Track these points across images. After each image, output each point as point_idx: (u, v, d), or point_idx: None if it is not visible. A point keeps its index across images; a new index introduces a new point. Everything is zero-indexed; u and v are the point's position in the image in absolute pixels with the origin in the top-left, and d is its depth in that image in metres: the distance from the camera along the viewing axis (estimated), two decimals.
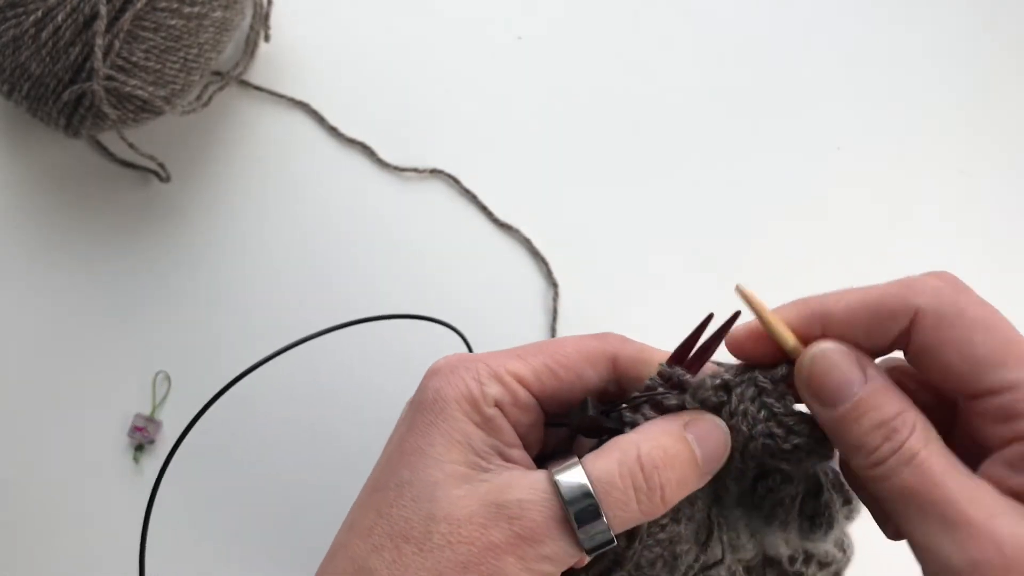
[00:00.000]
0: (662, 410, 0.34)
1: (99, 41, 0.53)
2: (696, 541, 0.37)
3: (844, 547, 0.41)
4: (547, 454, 0.37)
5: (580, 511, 0.31)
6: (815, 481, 0.36)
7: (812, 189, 0.66)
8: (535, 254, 0.64)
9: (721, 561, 0.38)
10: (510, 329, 0.63)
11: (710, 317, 0.36)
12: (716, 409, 0.34)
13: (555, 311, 0.63)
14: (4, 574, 0.60)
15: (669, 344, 0.37)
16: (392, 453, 0.34)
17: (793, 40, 0.68)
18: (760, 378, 0.34)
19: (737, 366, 0.35)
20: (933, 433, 0.31)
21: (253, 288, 0.63)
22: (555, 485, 0.31)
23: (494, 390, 0.34)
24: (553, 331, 0.63)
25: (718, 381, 0.34)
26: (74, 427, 0.61)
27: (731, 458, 0.35)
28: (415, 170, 0.64)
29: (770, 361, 0.34)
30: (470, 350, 0.56)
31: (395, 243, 0.64)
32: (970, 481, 0.30)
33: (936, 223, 0.66)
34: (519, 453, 0.34)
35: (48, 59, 0.54)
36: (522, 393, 0.34)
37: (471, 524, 0.31)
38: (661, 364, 0.35)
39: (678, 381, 0.35)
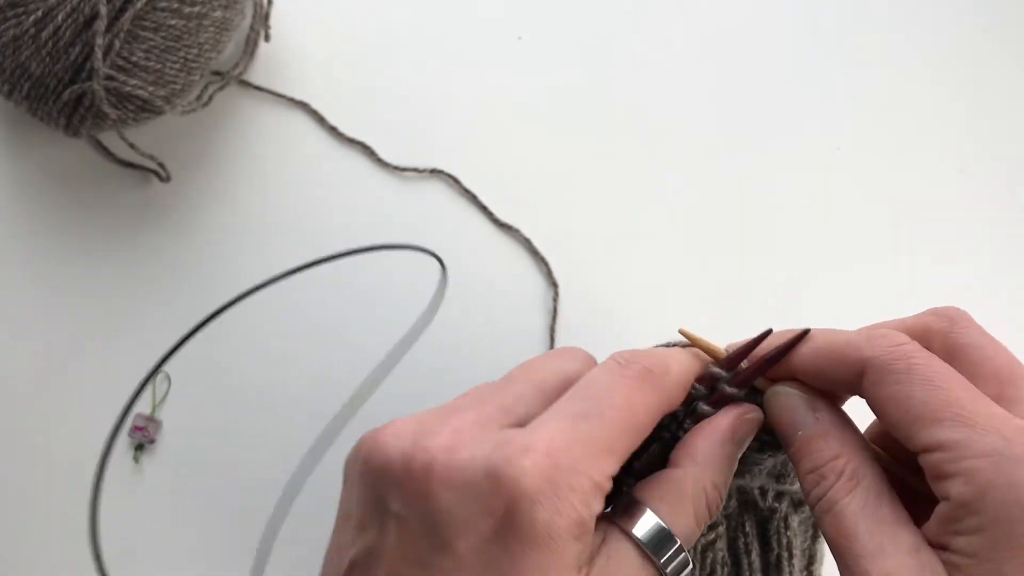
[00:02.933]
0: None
1: (99, 41, 0.53)
2: None
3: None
4: None
5: (673, 566, 0.31)
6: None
7: (812, 189, 0.66)
8: (535, 254, 0.64)
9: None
10: (509, 327, 0.63)
11: (769, 331, 0.36)
12: None
13: (555, 311, 0.63)
14: (3, 574, 0.60)
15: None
16: None
17: (793, 40, 0.68)
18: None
19: None
20: (868, 479, 0.32)
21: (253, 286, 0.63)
22: (646, 554, 0.31)
23: (598, 506, 0.30)
24: (552, 331, 0.63)
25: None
26: (74, 427, 0.61)
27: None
28: (415, 170, 0.65)
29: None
30: (444, 273, 0.52)
31: (395, 241, 0.64)
32: (884, 536, 0.30)
33: (936, 223, 0.66)
34: (597, 508, 0.32)
35: (48, 59, 0.54)
36: (607, 481, 0.31)
37: None
38: (711, 367, 0.36)
39: (725, 394, 0.35)
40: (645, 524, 0.31)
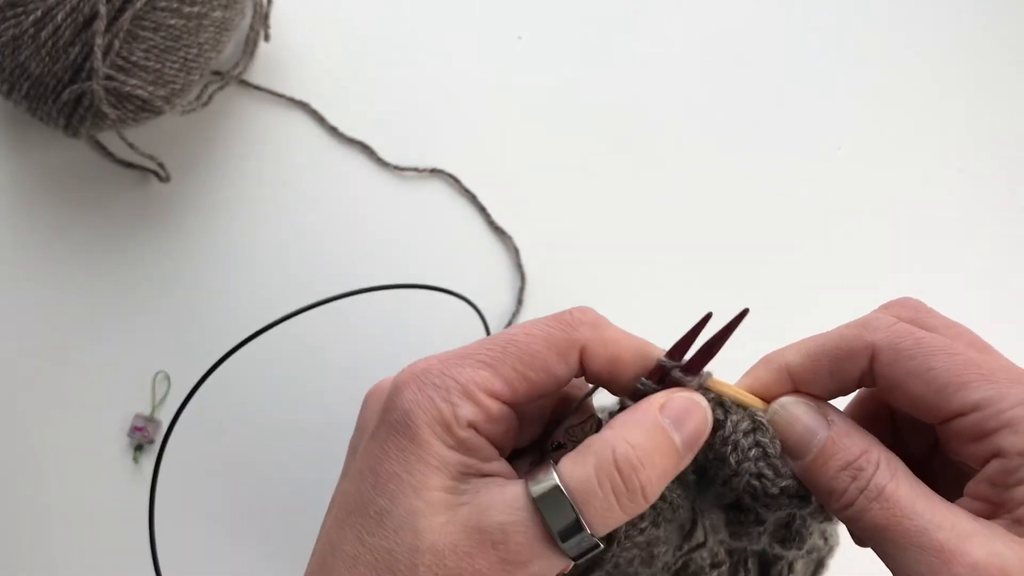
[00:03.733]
0: None
1: (99, 41, 0.53)
2: (680, 533, 0.37)
3: (827, 537, 0.42)
4: (523, 447, 0.36)
5: (562, 525, 0.30)
6: (785, 519, 0.36)
7: (812, 189, 0.66)
8: (517, 267, 0.63)
9: (704, 544, 0.38)
10: (471, 333, 0.62)
11: (709, 316, 0.36)
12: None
13: (509, 324, 0.62)
14: (4, 574, 0.60)
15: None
16: (365, 473, 0.33)
17: (793, 40, 0.68)
18: (757, 413, 0.34)
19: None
20: (900, 466, 0.32)
21: (253, 287, 0.63)
22: (534, 501, 0.30)
23: (467, 411, 0.32)
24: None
25: (713, 395, 0.34)
26: (74, 427, 0.61)
27: (714, 480, 0.35)
28: (415, 169, 0.64)
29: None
30: (486, 326, 0.56)
31: (394, 242, 0.64)
32: (940, 506, 0.30)
33: (936, 223, 0.66)
34: (496, 465, 0.33)
35: (48, 59, 0.54)
36: (495, 408, 0.32)
37: (456, 554, 0.30)
38: (661, 359, 0.34)
39: (675, 380, 0.34)
40: (538, 472, 0.31)
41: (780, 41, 0.68)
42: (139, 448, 0.61)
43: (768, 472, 0.34)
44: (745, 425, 0.34)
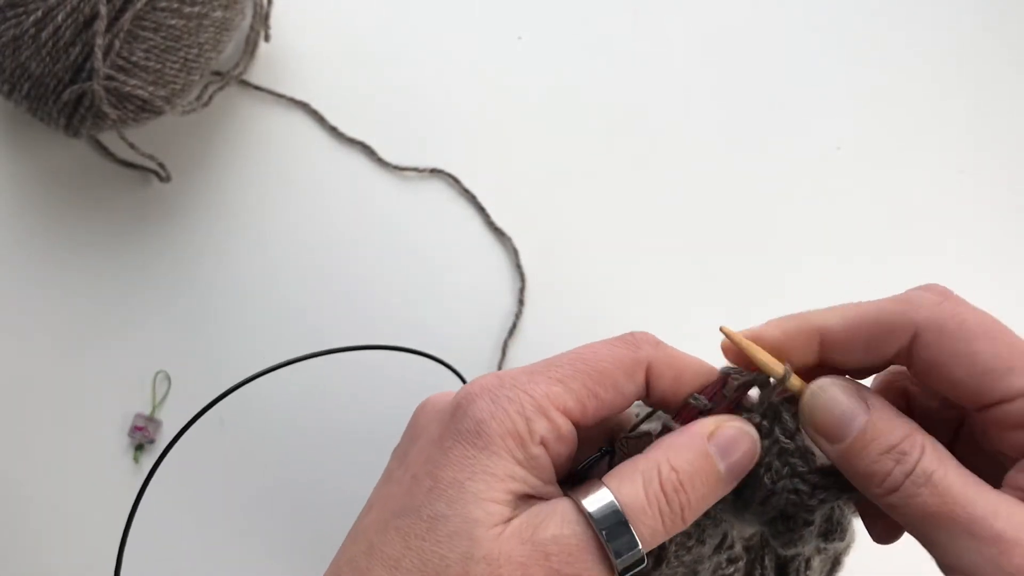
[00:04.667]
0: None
1: (99, 41, 0.53)
2: (717, 548, 0.38)
3: (845, 537, 0.41)
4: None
5: (615, 540, 0.30)
6: (830, 510, 0.36)
7: (812, 189, 0.66)
8: (517, 267, 0.63)
9: (731, 547, 0.38)
10: (469, 333, 0.63)
11: (727, 374, 0.35)
12: None
13: (513, 327, 0.62)
14: (4, 574, 0.60)
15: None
16: (420, 478, 0.32)
17: (793, 40, 0.68)
18: (782, 438, 0.34)
19: (762, 399, 0.35)
20: (945, 451, 0.31)
21: (253, 287, 0.63)
22: (586, 515, 0.31)
23: (541, 427, 0.32)
24: (504, 347, 0.62)
25: (753, 420, 0.34)
26: (74, 427, 0.61)
27: (751, 501, 0.35)
28: (415, 169, 0.65)
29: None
30: (463, 381, 0.56)
31: (395, 241, 0.64)
32: (992, 495, 0.30)
33: (936, 223, 0.66)
34: (552, 489, 0.33)
35: (48, 59, 0.54)
36: (566, 428, 0.32)
37: (510, 564, 0.30)
38: (693, 397, 0.35)
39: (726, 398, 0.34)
40: (589, 489, 0.31)
41: (780, 41, 0.68)
42: (139, 448, 0.61)
43: (804, 487, 0.34)
44: (775, 449, 0.34)
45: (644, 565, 0.31)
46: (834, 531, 0.36)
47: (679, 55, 0.68)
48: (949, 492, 0.29)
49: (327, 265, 0.63)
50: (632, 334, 0.35)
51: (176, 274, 0.63)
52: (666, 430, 0.34)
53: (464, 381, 0.55)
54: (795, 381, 0.33)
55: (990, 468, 0.31)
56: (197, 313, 0.63)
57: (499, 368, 0.62)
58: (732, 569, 0.39)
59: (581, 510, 0.31)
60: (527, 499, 0.32)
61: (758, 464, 0.34)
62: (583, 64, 0.67)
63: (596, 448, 0.36)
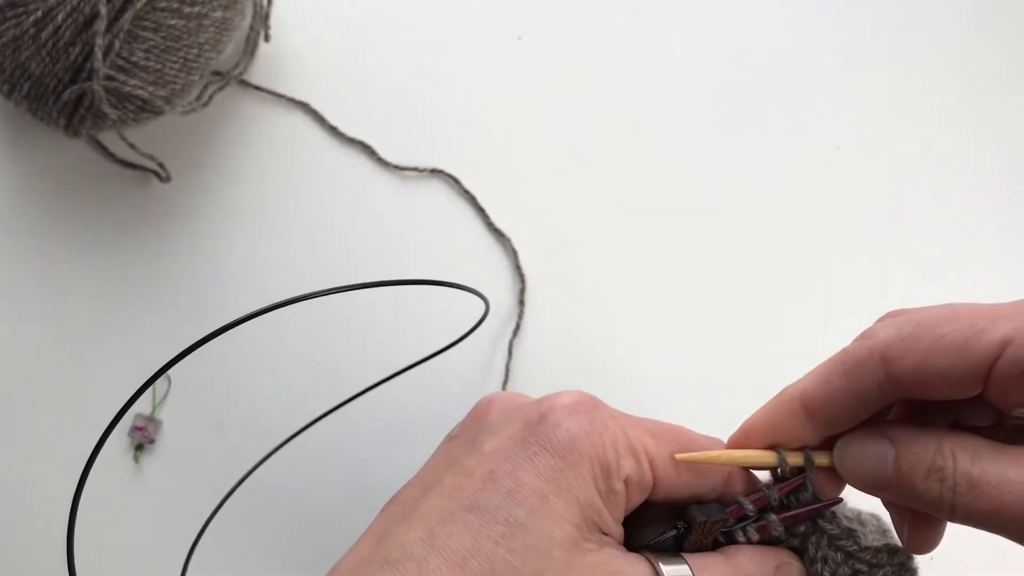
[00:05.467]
0: (763, 534, 0.35)
1: (99, 41, 0.53)
2: None
3: None
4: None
5: None
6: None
7: (811, 189, 0.66)
8: (516, 268, 0.63)
9: None
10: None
11: (804, 476, 0.35)
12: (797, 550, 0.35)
13: (517, 327, 0.62)
14: (4, 574, 0.60)
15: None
16: (500, 477, 0.30)
17: (793, 40, 0.68)
18: (827, 526, 0.35)
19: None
20: (971, 440, 0.30)
21: (252, 287, 0.63)
22: None
23: (628, 465, 0.31)
24: (510, 348, 0.62)
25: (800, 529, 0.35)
26: (74, 427, 0.61)
27: None
28: (416, 169, 0.65)
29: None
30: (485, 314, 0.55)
31: (395, 241, 0.64)
32: None
33: (936, 223, 0.66)
34: (617, 530, 0.33)
35: (48, 59, 0.54)
36: (648, 476, 0.32)
37: None
38: (767, 487, 0.35)
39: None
40: (668, 558, 0.31)
41: (780, 41, 0.68)
42: (139, 448, 0.61)
43: (862, 567, 0.34)
44: (824, 540, 0.34)
45: None
46: None
47: (679, 55, 0.68)
48: (991, 484, 0.29)
49: (327, 265, 0.63)
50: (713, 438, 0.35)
51: (176, 274, 0.63)
52: (737, 507, 0.35)
53: (487, 304, 0.54)
54: (794, 458, 0.34)
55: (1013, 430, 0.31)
56: (197, 313, 0.63)
57: (507, 370, 0.62)
58: None
59: (659, 571, 0.31)
60: (597, 534, 0.31)
61: (813, 561, 0.34)
62: (583, 64, 0.67)
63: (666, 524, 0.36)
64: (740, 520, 0.35)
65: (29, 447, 0.61)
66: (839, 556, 0.34)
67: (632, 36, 0.68)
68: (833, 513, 0.35)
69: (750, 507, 0.35)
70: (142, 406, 0.61)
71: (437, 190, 0.65)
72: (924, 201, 0.66)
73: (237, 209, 0.64)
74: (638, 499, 0.33)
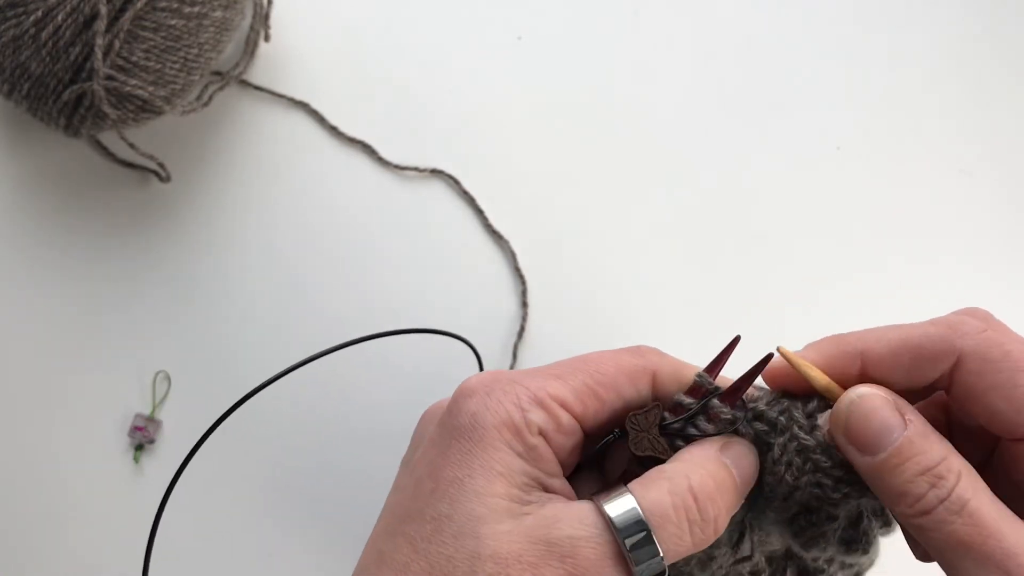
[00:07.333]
0: (717, 423, 0.34)
1: (99, 41, 0.53)
2: (729, 542, 0.37)
3: (869, 550, 0.41)
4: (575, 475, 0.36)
5: (635, 546, 0.30)
6: (856, 511, 0.36)
7: (811, 189, 0.66)
8: (516, 271, 0.63)
9: (750, 557, 0.38)
10: (471, 335, 0.62)
11: (737, 339, 0.35)
12: (758, 442, 0.34)
13: (522, 330, 0.62)
14: (4, 574, 0.60)
15: None
16: (422, 480, 0.32)
17: (793, 40, 0.68)
18: (802, 436, 0.34)
19: (773, 396, 0.35)
20: (979, 479, 0.30)
21: (252, 287, 0.63)
22: (606, 518, 0.30)
23: (537, 417, 0.31)
24: (514, 349, 0.62)
25: (767, 415, 0.34)
26: (74, 427, 0.61)
27: (773, 498, 0.35)
28: (416, 169, 0.65)
29: (803, 390, 0.34)
30: (481, 367, 0.56)
31: (394, 242, 0.64)
32: (1020, 526, 0.29)
33: (936, 223, 0.66)
34: (559, 482, 0.32)
35: (48, 59, 0.54)
36: (565, 418, 0.32)
37: (520, 564, 0.29)
38: (699, 375, 0.35)
39: (716, 406, 0.34)
40: (611, 493, 0.31)
41: (780, 41, 0.68)
42: (139, 448, 0.61)
43: (828, 481, 0.33)
44: (794, 446, 0.34)
45: (664, 575, 0.30)
46: (858, 541, 0.36)
47: (679, 55, 0.68)
48: (983, 523, 0.29)
49: (326, 264, 0.63)
50: (638, 345, 0.35)
51: (176, 274, 0.63)
52: (678, 406, 0.34)
53: (481, 363, 0.55)
54: (836, 389, 0.33)
55: (1018, 498, 0.31)
56: (197, 313, 0.63)
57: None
58: None
59: (602, 513, 0.30)
60: (536, 493, 0.31)
61: (777, 463, 0.34)
62: (583, 64, 0.67)
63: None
64: (685, 418, 0.34)
65: (29, 446, 0.61)
66: (807, 465, 0.33)
67: (632, 36, 0.68)
68: (814, 426, 0.33)
69: (685, 397, 0.34)
70: (142, 406, 0.61)
71: (437, 190, 0.65)
72: (923, 200, 0.66)
73: (237, 209, 0.64)
74: (568, 442, 0.33)
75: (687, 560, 0.36)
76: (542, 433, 0.32)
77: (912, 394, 0.34)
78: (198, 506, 0.60)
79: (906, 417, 0.31)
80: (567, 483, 0.33)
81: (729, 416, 0.34)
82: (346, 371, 0.62)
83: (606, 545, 0.30)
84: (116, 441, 0.61)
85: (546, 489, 0.32)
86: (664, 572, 0.30)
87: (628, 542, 0.30)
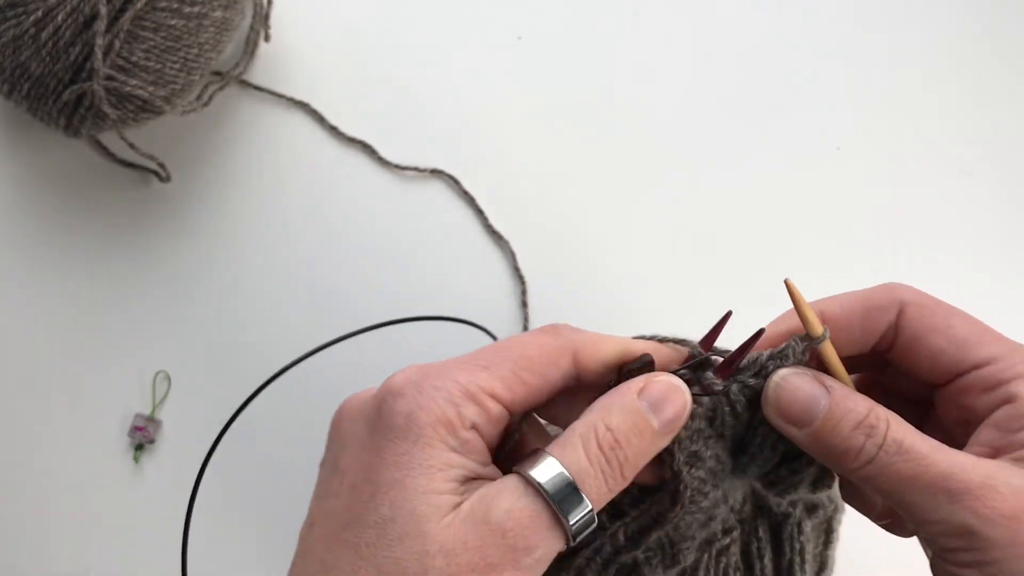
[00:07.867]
0: (710, 393, 0.36)
1: (99, 41, 0.53)
2: (725, 501, 0.39)
3: (831, 496, 0.43)
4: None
5: (566, 505, 0.31)
6: None
7: (812, 189, 0.66)
8: (516, 271, 0.63)
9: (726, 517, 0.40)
10: (476, 339, 0.63)
11: (729, 314, 0.39)
12: (753, 403, 0.36)
13: (522, 330, 0.62)
14: (4, 574, 0.60)
15: None
16: (359, 485, 0.32)
17: (793, 40, 0.68)
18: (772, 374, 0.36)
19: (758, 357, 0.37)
20: (905, 422, 0.33)
21: (252, 287, 0.63)
22: (534, 485, 0.31)
23: (470, 412, 0.32)
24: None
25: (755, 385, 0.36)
26: (74, 427, 0.61)
27: (757, 454, 0.37)
28: (416, 169, 0.65)
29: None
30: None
31: (394, 242, 0.64)
32: (958, 454, 0.32)
33: (936, 223, 0.66)
34: (491, 470, 0.33)
35: (48, 59, 0.54)
36: (495, 410, 0.33)
37: (467, 550, 0.30)
38: (691, 345, 0.38)
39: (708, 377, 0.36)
40: (534, 461, 0.32)
41: (780, 41, 0.68)
42: (139, 448, 0.61)
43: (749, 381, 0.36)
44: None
45: (595, 524, 0.32)
46: (823, 479, 0.39)
47: (679, 55, 0.68)
48: (920, 454, 0.32)
49: (326, 265, 0.63)
50: (552, 324, 0.36)
51: (176, 274, 0.63)
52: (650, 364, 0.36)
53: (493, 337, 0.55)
54: (828, 347, 0.36)
55: (950, 445, 0.34)
56: (197, 313, 0.63)
57: None
58: (728, 540, 0.40)
59: (530, 482, 0.31)
60: (470, 483, 0.32)
61: (763, 422, 0.36)
62: (583, 64, 0.67)
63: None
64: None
65: (29, 446, 0.61)
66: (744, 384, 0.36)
67: (632, 36, 0.68)
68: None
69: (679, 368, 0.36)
70: (142, 406, 0.61)
71: (437, 190, 0.65)
72: (923, 200, 0.66)
73: (237, 209, 0.64)
74: (496, 430, 0.34)
75: (689, 524, 0.37)
76: (475, 427, 0.32)
77: (860, 362, 0.38)
78: (206, 499, 0.61)
79: (826, 384, 0.34)
80: (495, 467, 0.34)
81: (720, 387, 0.36)
82: (345, 369, 0.62)
83: (540, 509, 0.31)
84: (116, 441, 0.61)
85: (480, 477, 0.33)
86: (594, 520, 0.32)
87: (560, 503, 0.31)
